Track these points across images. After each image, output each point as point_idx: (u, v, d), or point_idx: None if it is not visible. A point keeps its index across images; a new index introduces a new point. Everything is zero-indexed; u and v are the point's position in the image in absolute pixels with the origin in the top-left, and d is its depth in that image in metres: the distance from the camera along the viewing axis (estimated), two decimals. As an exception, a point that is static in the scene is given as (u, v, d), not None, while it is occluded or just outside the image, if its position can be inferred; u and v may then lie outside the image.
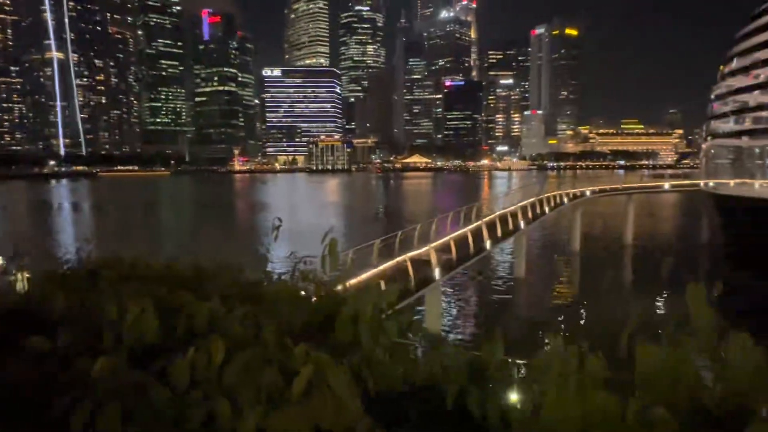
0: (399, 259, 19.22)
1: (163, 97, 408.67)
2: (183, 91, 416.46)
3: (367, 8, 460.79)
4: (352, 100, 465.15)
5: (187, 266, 2.51)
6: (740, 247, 32.34)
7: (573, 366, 1.59)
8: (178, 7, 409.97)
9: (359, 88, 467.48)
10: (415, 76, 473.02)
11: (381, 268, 17.93)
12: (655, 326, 1.66)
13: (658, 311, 21.84)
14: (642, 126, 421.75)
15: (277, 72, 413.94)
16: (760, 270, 28.47)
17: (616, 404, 1.34)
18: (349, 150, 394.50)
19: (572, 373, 1.51)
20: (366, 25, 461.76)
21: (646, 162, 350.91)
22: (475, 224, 25.80)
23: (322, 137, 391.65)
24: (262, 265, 2.98)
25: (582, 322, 23.33)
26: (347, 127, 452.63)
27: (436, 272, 20.04)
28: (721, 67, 37.36)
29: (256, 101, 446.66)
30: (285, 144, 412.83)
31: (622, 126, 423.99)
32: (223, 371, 1.32)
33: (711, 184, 38.75)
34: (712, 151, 41.46)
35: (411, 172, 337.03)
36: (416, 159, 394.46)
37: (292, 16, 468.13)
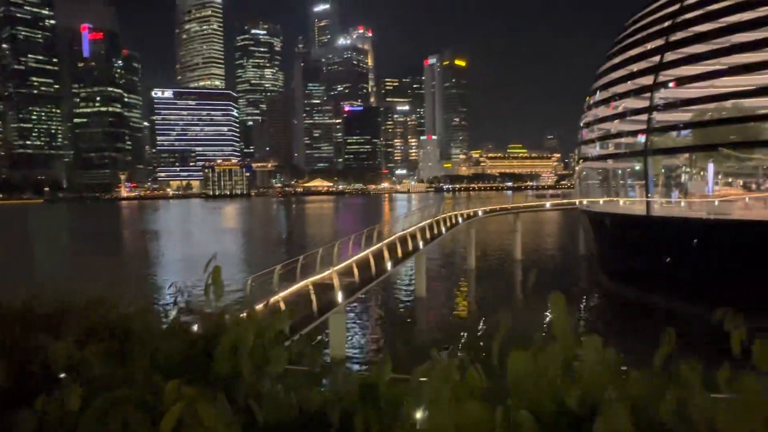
0: (301, 284, 18.89)
1: (34, 117, 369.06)
2: (59, 111, 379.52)
3: (264, 32, 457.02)
4: (251, 123, 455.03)
5: (49, 303, 2.25)
6: (610, 257, 36.03)
7: (454, 379, 1.66)
8: (53, 21, 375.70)
9: (257, 111, 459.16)
10: (314, 101, 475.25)
11: (282, 294, 17.49)
12: (530, 334, 1.78)
13: (535, 319, 23.51)
14: (526, 150, 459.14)
15: (168, 93, 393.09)
16: (627, 278, 31.94)
17: (489, 413, 1.41)
18: (248, 174, 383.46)
19: (452, 387, 1.57)
20: (263, 49, 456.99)
21: (531, 183, 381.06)
22: (376, 246, 26.19)
23: (219, 161, 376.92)
24: (142, 297, 2.76)
25: (479, 334, 24.45)
26: (246, 150, 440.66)
27: (339, 296, 19.96)
28: (588, 98, 41.97)
29: (145, 123, 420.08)
30: (178, 168, 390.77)
31: (508, 150, 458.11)
32: (80, 417, 1.19)
33: (585, 202, 42.98)
34: (584, 172, 46.13)
35: (313, 195, 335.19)
36: (318, 183, 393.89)
37: (184, 36, 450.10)
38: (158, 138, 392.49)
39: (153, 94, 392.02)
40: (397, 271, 35.40)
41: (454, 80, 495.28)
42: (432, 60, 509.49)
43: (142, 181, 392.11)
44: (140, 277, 38.85)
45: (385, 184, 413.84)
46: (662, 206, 34.31)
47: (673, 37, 32.02)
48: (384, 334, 25.48)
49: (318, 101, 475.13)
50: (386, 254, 25.66)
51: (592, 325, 25.49)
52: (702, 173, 37.40)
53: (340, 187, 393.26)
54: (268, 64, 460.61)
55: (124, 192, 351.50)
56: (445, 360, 1.76)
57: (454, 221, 41.98)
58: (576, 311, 27.31)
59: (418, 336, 25.11)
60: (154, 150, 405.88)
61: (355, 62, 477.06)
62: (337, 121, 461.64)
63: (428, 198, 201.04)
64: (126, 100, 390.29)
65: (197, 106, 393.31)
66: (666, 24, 32.99)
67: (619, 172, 41.93)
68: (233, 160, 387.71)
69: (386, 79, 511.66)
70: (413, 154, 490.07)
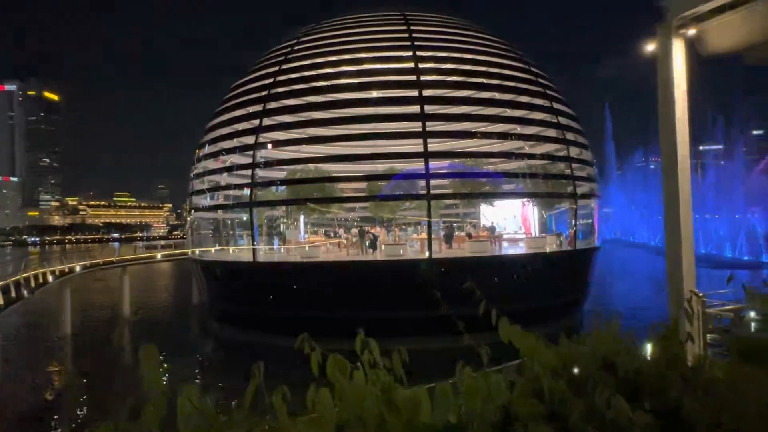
0: None
1: None
2: None
3: None
4: None
5: None
6: (221, 304, 37.16)
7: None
8: None
9: None
10: None
11: None
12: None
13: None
14: (135, 200, 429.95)
15: None
16: (235, 321, 33.63)
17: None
18: None
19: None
20: None
21: (141, 234, 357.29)
22: None
23: None
24: None
25: (75, 414, 20.63)
26: None
27: None
28: (198, 150, 43.07)
29: None
30: None
31: (114, 199, 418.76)
32: None
33: (197, 252, 43.25)
34: (196, 222, 46.63)
35: None
36: None
37: None
38: None
39: None
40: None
41: (42, 114, 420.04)
42: (11, 87, 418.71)
43: None
44: None
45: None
46: (266, 252, 38.08)
47: (269, 106, 36.85)
48: None
49: None
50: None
51: (196, 373, 25.56)
52: (296, 223, 43.71)
53: None
54: None
55: None
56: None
57: (41, 280, 34.85)
58: (183, 360, 26.88)
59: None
60: None
61: None
62: None
63: (5, 254, 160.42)
64: None
65: None
66: (263, 93, 37.70)
67: (229, 222, 44.32)
68: None
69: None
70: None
